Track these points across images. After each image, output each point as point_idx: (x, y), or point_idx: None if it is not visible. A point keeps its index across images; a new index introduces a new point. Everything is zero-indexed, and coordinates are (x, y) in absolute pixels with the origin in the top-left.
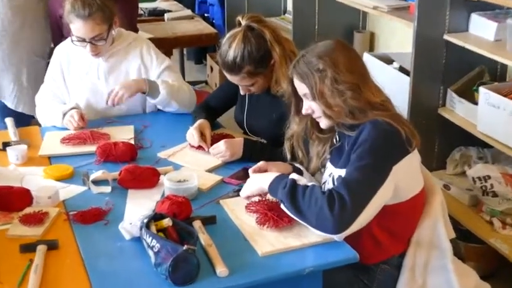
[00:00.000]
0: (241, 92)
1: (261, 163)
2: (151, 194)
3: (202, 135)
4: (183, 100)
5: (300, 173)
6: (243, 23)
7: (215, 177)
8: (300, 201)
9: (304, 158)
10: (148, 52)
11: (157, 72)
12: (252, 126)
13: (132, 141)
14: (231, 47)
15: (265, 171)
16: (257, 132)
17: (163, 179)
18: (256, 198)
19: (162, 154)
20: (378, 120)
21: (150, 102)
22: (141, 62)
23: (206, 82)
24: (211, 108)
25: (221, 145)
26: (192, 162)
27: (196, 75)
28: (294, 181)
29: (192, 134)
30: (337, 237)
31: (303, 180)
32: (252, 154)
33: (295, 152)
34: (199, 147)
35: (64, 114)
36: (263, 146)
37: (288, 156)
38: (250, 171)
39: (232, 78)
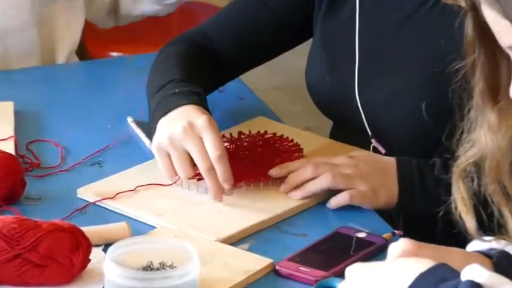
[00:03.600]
0: None
1: (412, 245)
2: None
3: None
4: None
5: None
6: None
7: (252, 260)
8: None
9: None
10: None
11: None
12: (378, 102)
13: (12, 149)
14: None
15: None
16: (394, 114)
17: (99, 258)
18: None
19: (91, 190)
20: None
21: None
22: None
23: None
24: (208, 52)
25: (346, 163)
26: (183, 216)
27: None
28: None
29: (178, 158)
30: None
31: None
32: (424, 201)
33: (490, 204)
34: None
35: None
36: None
37: (469, 222)
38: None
39: None
